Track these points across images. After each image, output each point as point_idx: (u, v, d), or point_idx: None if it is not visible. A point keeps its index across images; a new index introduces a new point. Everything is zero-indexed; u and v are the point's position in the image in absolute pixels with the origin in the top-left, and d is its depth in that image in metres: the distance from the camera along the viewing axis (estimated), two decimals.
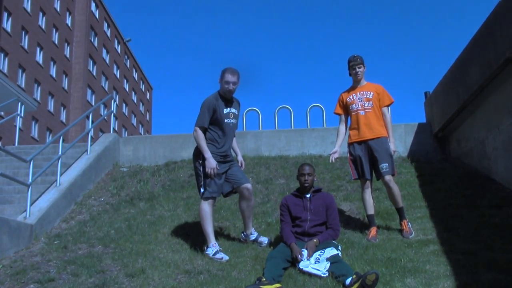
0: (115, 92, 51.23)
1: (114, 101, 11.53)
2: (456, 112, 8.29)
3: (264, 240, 5.56)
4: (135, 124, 57.27)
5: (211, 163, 5.19)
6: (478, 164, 7.98)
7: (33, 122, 34.59)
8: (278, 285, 4.09)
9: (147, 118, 64.10)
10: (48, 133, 36.26)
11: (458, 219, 5.75)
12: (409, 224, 5.59)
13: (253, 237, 5.62)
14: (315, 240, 4.83)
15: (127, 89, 55.83)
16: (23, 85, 32.68)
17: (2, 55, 31.04)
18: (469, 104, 7.80)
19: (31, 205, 6.65)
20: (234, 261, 5.07)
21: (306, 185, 5.15)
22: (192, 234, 6.01)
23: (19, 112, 11.26)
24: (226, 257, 5.10)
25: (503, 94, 6.90)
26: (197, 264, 5.03)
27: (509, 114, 6.78)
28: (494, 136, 7.34)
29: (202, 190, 5.30)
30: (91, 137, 9.32)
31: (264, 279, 4.13)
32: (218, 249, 5.22)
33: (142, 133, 59.46)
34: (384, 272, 4.33)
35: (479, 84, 7.11)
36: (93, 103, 43.47)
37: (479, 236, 5.10)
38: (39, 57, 36.27)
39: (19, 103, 11.33)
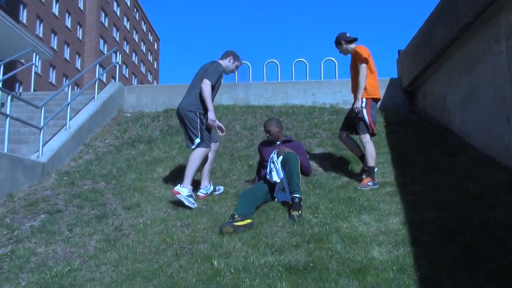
0: (125, 42, 50.32)
1: (119, 55, 11.38)
2: (422, 70, 8.28)
3: (220, 188, 5.50)
4: (144, 72, 56.65)
5: (214, 116, 5.10)
6: (439, 116, 8.05)
7: (51, 69, 34.18)
8: (249, 220, 4.23)
9: (155, 66, 63.29)
10: (64, 78, 35.90)
11: (414, 165, 5.80)
12: (370, 182, 5.20)
13: (211, 189, 5.42)
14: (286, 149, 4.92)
15: (137, 40, 54.81)
16: (40, 35, 32.03)
17: (21, 6, 30.25)
18: (434, 62, 7.78)
19: (43, 145, 6.74)
20: (218, 197, 5.23)
21: (270, 139, 5.24)
22: (183, 173, 6.08)
23: (34, 62, 11.12)
24: (195, 205, 4.92)
25: (463, 55, 6.89)
26: None
27: (466, 73, 6.80)
28: (453, 91, 7.38)
29: (198, 140, 5.08)
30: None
31: (236, 216, 4.24)
32: (191, 193, 4.97)
33: (151, 80, 58.95)
34: (344, 210, 4.47)
35: (443, 45, 7.08)
36: (105, 52, 42.79)
37: (430, 179, 5.20)
38: (55, 9, 35.37)
39: (34, 53, 11.16)
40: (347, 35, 5.69)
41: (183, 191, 4.89)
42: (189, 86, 5.40)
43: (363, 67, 5.38)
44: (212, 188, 5.43)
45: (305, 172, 5.11)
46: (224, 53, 5.60)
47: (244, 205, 4.51)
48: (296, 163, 4.70)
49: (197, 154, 5.07)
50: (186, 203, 4.86)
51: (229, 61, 5.52)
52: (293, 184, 4.57)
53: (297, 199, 4.48)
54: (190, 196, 4.91)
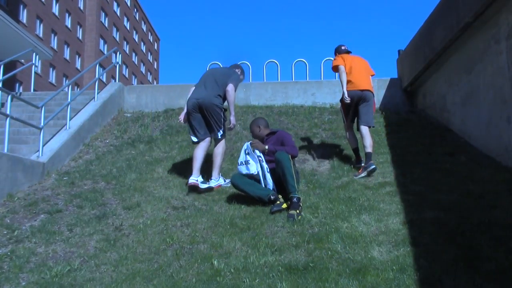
0: (125, 42, 50.33)
1: (119, 55, 11.39)
2: (422, 70, 8.28)
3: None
4: (144, 72, 56.66)
5: (235, 121, 5.73)
6: (439, 116, 8.05)
7: (51, 69, 34.18)
8: (285, 205, 4.60)
9: (155, 66, 63.30)
10: (64, 78, 35.91)
11: (414, 165, 5.82)
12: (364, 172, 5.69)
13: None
14: (266, 147, 5.03)
15: (137, 40, 54.82)
16: (40, 35, 32.03)
17: (21, 6, 30.26)
18: (434, 62, 7.78)
19: (43, 145, 6.73)
20: (218, 197, 5.23)
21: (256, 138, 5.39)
22: (183, 173, 6.12)
23: (34, 62, 11.11)
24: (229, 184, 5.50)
25: (463, 55, 6.89)
26: (185, 199, 5.20)
27: (466, 73, 6.80)
28: (453, 91, 7.38)
29: (221, 133, 5.63)
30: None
31: (281, 199, 4.67)
32: (223, 178, 5.74)
33: (151, 80, 58.98)
34: (344, 210, 4.49)
35: (443, 45, 7.08)
36: (105, 52, 42.82)
37: (430, 179, 5.20)
38: (55, 9, 35.38)
39: (34, 53, 11.16)
40: (342, 48, 6.49)
41: (220, 181, 5.64)
42: (204, 81, 5.70)
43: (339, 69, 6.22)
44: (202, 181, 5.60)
45: (291, 155, 4.95)
46: (235, 65, 6.05)
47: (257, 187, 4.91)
48: (289, 163, 4.70)
49: (221, 148, 5.66)
50: (228, 185, 5.49)
51: (240, 75, 5.93)
52: (288, 186, 4.62)
53: (295, 199, 4.50)
54: (224, 180, 5.70)
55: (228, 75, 5.69)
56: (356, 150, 6.14)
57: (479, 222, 3.88)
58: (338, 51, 6.52)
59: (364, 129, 5.99)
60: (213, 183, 5.56)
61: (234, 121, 5.66)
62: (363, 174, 5.62)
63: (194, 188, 5.36)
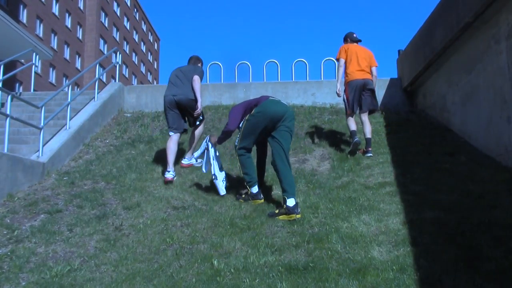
0: (125, 42, 50.33)
1: (119, 55, 11.39)
2: (422, 70, 8.27)
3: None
4: (144, 72, 56.67)
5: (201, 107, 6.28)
6: (439, 116, 8.04)
7: (51, 69, 34.18)
8: (277, 211, 4.63)
9: (155, 66, 63.29)
10: (64, 78, 35.91)
11: (414, 165, 5.82)
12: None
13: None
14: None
15: (137, 40, 54.81)
16: (40, 35, 32.03)
17: (21, 6, 30.26)
18: (434, 62, 7.78)
19: (43, 145, 6.72)
20: (218, 197, 5.23)
21: None
22: (183, 174, 6.15)
23: (34, 62, 11.09)
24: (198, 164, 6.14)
25: (463, 55, 6.88)
26: (185, 199, 5.20)
27: (466, 73, 6.80)
28: (453, 91, 7.37)
29: (199, 120, 6.42)
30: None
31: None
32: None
33: (151, 80, 59.01)
34: (344, 210, 4.50)
35: (443, 45, 7.08)
36: (105, 52, 42.83)
37: (430, 179, 5.20)
38: (55, 9, 35.38)
39: (34, 53, 11.14)
40: (354, 35, 6.94)
41: (192, 161, 6.36)
42: (177, 78, 6.24)
43: (339, 62, 6.83)
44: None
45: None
46: (196, 58, 6.61)
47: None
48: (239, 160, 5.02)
49: (199, 131, 6.42)
50: (200, 165, 5.92)
51: (201, 67, 6.53)
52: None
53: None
54: (196, 160, 6.29)
55: (194, 69, 6.29)
56: (353, 132, 6.48)
57: (479, 222, 3.88)
58: (349, 38, 6.95)
59: (364, 117, 6.61)
60: (185, 161, 6.38)
61: (201, 107, 6.17)
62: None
63: (170, 182, 5.80)
